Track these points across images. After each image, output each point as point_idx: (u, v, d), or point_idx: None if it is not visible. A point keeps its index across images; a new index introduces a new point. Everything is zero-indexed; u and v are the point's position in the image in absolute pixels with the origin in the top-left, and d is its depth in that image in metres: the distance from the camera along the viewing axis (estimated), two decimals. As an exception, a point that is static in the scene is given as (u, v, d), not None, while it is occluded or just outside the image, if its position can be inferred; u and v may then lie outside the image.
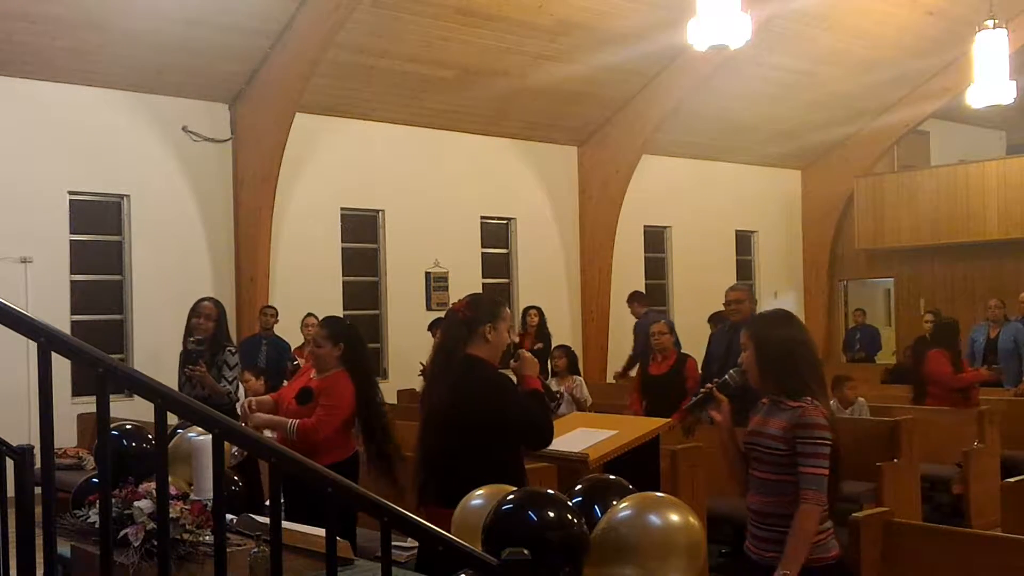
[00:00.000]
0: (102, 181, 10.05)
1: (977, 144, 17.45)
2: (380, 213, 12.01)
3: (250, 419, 5.08)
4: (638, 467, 4.70)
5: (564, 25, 11.03)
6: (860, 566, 3.84)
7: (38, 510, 2.30)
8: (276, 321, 10.02)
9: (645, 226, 14.59)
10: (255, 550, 3.05)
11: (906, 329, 15.53)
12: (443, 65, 11.12)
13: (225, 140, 10.77)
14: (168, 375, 6.41)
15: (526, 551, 2.40)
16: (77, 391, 9.11)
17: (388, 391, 11.10)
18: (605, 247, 13.62)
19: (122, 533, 3.01)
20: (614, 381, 12.26)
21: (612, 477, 3.36)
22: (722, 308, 8.65)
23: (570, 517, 2.87)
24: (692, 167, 14.96)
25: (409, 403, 9.74)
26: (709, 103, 13.35)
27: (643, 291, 12.33)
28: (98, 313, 10.13)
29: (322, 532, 2.70)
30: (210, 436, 2.50)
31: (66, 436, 8.51)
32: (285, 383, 8.81)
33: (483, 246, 12.96)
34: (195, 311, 6.50)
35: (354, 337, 5.32)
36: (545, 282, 13.26)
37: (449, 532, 2.65)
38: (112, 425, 2.92)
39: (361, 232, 11.96)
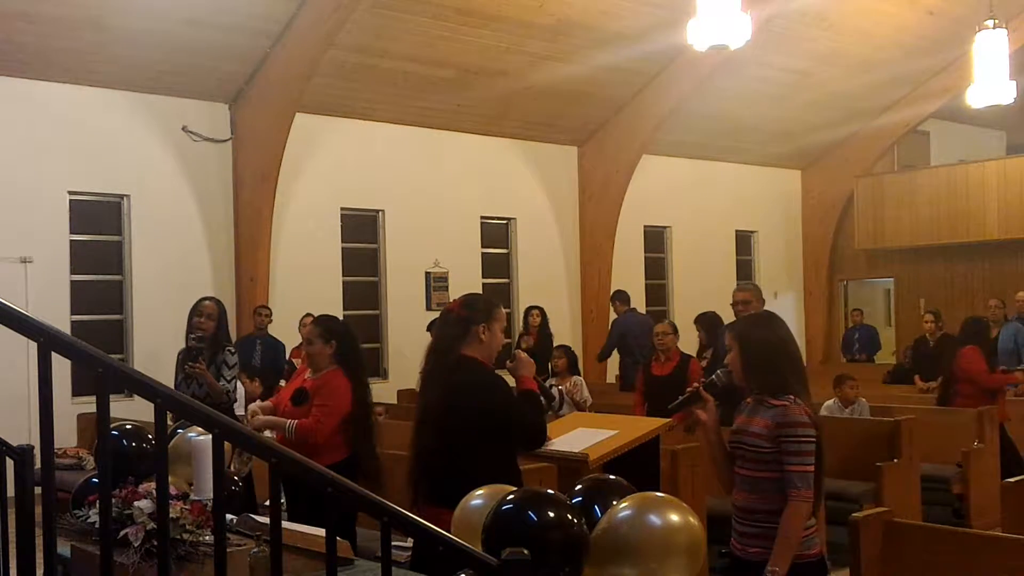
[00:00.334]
0: (102, 181, 10.05)
1: (977, 144, 17.45)
2: (380, 213, 12.01)
3: (251, 421, 5.10)
4: (638, 467, 4.70)
5: (564, 25, 11.03)
6: (860, 566, 3.84)
7: (38, 510, 2.30)
8: (270, 321, 10.03)
9: (645, 226, 14.59)
10: (255, 550, 3.05)
11: (906, 329, 15.53)
12: (443, 65, 11.12)
13: (225, 140, 10.78)
14: (168, 375, 6.41)
15: (526, 551, 2.40)
16: (77, 391, 9.11)
17: (388, 391, 11.13)
18: (605, 247, 13.62)
19: (122, 533, 3.00)
20: (614, 381, 12.29)
21: (612, 477, 3.36)
22: (706, 310, 8.77)
23: (570, 517, 2.87)
24: (692, 167, 14.96)
25: (409, 403, 9.73)
26: (709, 103, 13.35)
27: (626, 291, 12.44)
28: (98, 313, 10.13)
29: (322, 532, 2.70)
30: (210, 436, 2.50)
31: (66, 436, 8.51)
32: (283, 383, 8.82)
33: (483, 246, 12.96)
34: (196, 310, 6.50)
35: (347, 335, 5.32)
36: (545, 282, 13.26)
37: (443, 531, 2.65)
38: (112, 425, 2.92)
39: (361, 232, 11.96)
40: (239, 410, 7.14)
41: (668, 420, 5.40)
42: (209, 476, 3.35)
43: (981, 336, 8.28)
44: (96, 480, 3.63)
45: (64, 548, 3.25)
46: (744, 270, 16.03)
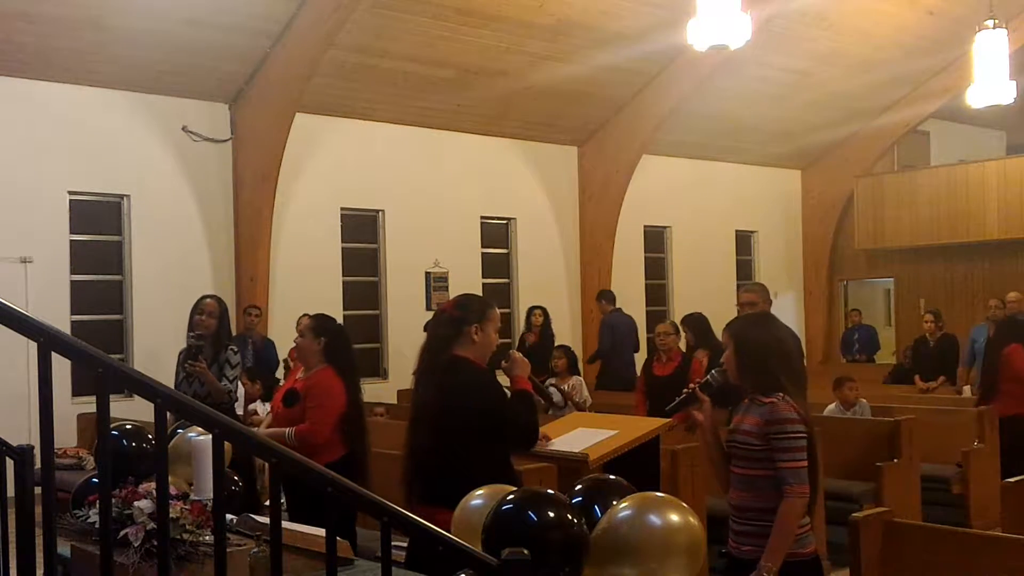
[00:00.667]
0: (102, 181, 10.05)
1: (977, 144, 17.45)
2: (380, 213, 12.01)
3: None
4: (638, 467, 4.69)
5: (564, 25, 11.03)
6: (860, 566, 3.84)
7: (38, 510, 2.30)
8: (260, 320, 10.03)
9: (645, 226, 14.58)
10: (255, 550, 3.05)
11: (906, 329, 15.53)
12: (443, 65, 11.12)
13: (225, 140, 10.78)
14: (168, 375, 6.40)
15: (526, 551, 2.40)
16: (77, 391, 9.11)
17: (388, 391, 11.14)
18: (605, 247, 13.62)
19: (122, 533, 3.00)
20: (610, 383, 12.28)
21: (612, 477, 3.37)
22: (692, 312, 8.79)
23: (570, 517, 2.87)
24: (692, 167, 14.96)
25: (409, 403, 9.73)
26: (709, 103, 13.35)
27: (611, 290, 12.47)
28: (98, 313, 10.13)
29: (322, 532, 2.70)
30: (210, 436, 2.50)
31: (66, 436, 8.51)
32: (280, 379, 8.83)
33: (483, 246, 12.96)
34: (198, 308, 6.48)
35: (338, 334, 5.36)
36: (545, 282, 13.25)
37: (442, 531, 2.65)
38: (112, 425, 2.92)
39: (361, 232, 11.96)
40: (238, 410, 7.14)
41: (668, 420, 5.39)
42: (209, 476, 3.35)
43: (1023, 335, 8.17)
44: (96, 480, 3.63)
45: (64, 548, 3.24)
46: (744, 270, 16.03)
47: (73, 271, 9.90)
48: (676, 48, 11.23)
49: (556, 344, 10.03)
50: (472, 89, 11.69)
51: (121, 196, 10.22)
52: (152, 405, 2.30)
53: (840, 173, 16.20)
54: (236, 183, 10.80)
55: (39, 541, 2.33)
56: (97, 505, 3.05)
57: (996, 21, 10.35)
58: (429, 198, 12.21)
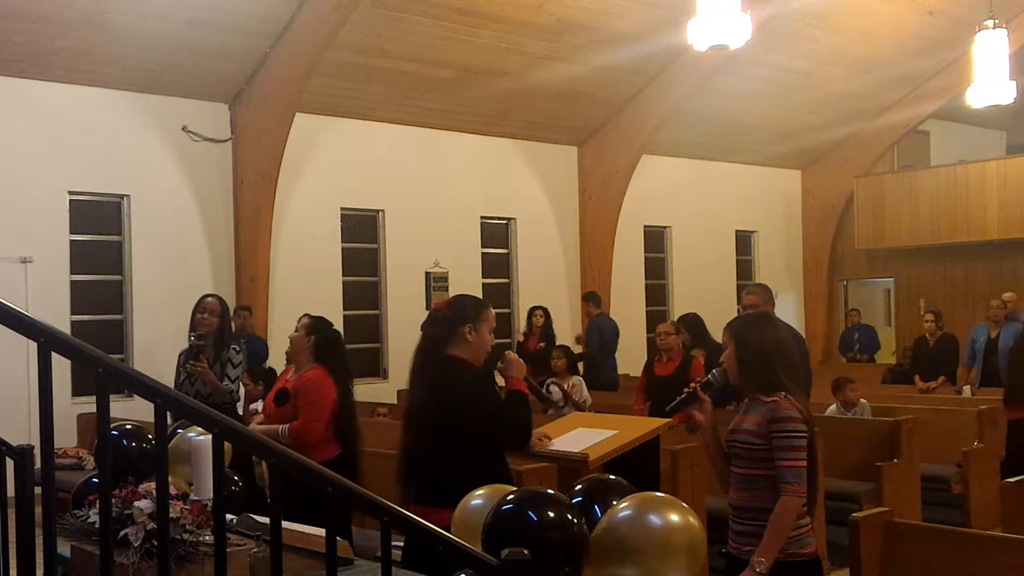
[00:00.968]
0: (102, 181, 10.05)
1: (977, 144, 17.45)
2: (380, 213, 12.01)
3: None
4: (638, 467, 4.69)
5: (564, 25, 11.03)
6: (860, 566, 3.84)
7: (38, 510, 2.30)
8: (249, 319, 10.04)
9: (645, 226, 14.58)
10: (255, 550, 3.05)
11: (906, 329, 15.53)
12: (443, 65, 11.12)
13: (225, 140, 10.78)
14: (168, 375, 6.40)
15: (526, 551, 2.40)
16: (77, 391, 9.12)
17: (388, 391, 11.14)
18: (605, 247, 13.62)
19: (122, 533, 3.01)
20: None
21: (612, 477, 3.37)
22: (687, 313, 8.81)
23: (570, 517, 2.87)
24: (692, 167, 14.96)
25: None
26: (709, 103, 13.35)
27: (598, 292, 12.47)
28: (98, 313, 10.13)
29: (322, 532, 2.70)
30: (210, 436, 2.50)
31: (66, 436, 8.52)
32: (274, 370, 8.83)
33: (483, 246, 12.96)
34: (200, 307, 6.48)
35: (331, 336, 5.39)
36: (545, 282, 13.25)
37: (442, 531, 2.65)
38: (112, 425, 2.92)
39: (361, 232, 11.96)
40: (239, 410, 7.14)
41: (668, 420, 5.39)
42: (209, 476, 3.35)
43: None
44: (96, 480, 3.63)
45: (64, 548, 3.25)
46: (744, 270, 16.03)
47: (73, 271, 9.89)
48: (676, 48, 11.23)
49: (556, 344, 10.03)
50: (472, 89, 11.68)
51: (121, 196, 10.22)
52: (152, 405, 2.30)
53: (840, 173, 16.20)
54: (236, 183, 10.80)
55: (39, 541, 2.33)
56: (97, 505, 3.05)
57: (996, 21, 10.35)
58: (429, 198, 12.21)
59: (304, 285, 11.00)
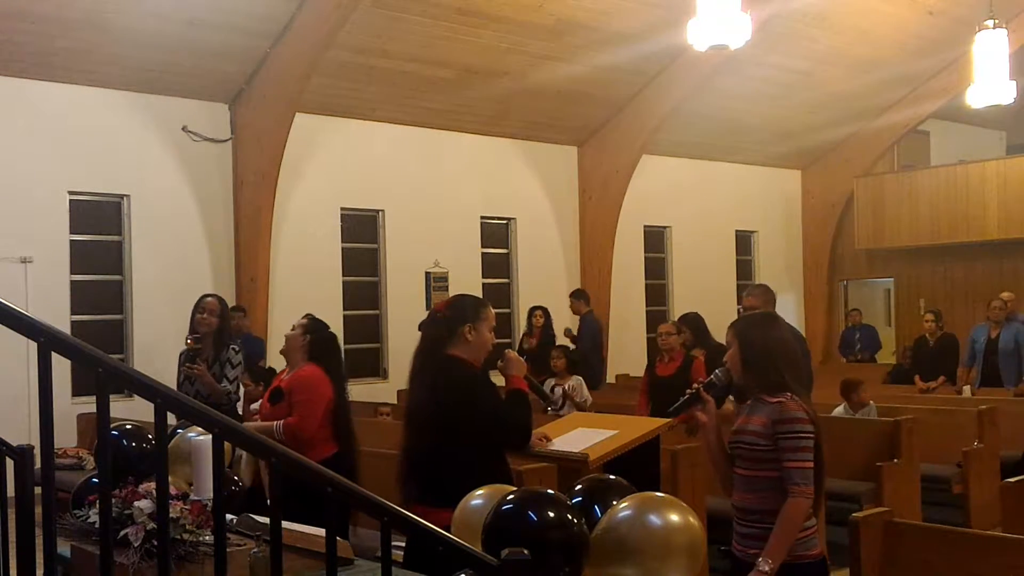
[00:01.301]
0: (102, 181, 10.05)
1: (977, 144, 17.45)
2: (380, 213, 12.01)
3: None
4: (638, 467, 4.69)
5: (564, 25, 11.03)
6: (860, 566, 3.84)
7: (38, 510, 2.30)
8: (244, 319, 10.03)
9: (645, 226, 14.59)
10: (255, 550, 3.05)
11: (906, 329, 15.53)
12: (443, 65, 11.12)
13: (225, 140, 10.78)
14: (168, 375, 6.40)
15: (526, 551, 2.40)
16: (77, 391, 9.12)
17: (388, 391, 11.14)
18: (605, 247, 13.62)
19: (122, 533, 3.01)
20: (614, 381, 12.30)
21: (612, 477, 3.37)
22: (687, 312, 8.80)
23: (570, 517, 2.87)
24: (692, 167, 14.97)
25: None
26: (709, 103, 13.35)
27: (585, 290, 12.45)
28: (98, 313, 10.13)
29: (322, 532, 2.70)
30: (210, 436, 2.50)
31: (66, 436, 8.51)
32: (272, 368, 8.82)
33: (483, 246, 12.96)
34: (199, 307, 6.48)
35: (326, 336, 5.42)
36: (545, 282, 13.25)
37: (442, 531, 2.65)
38: (112, 425, 2.92)
39: (361, 232, 11.96)
40: (240, 410, 7.14)
41: (668, 420, 5.39)
42: (209, 476, 3.35)
43: None
44: (96, 480, 3.63)
45: (64, 548, 3.25)
46: (744, 270, 16.04)
47: (73, 271, 9.89)
48: (676, 48, 11.23)
49: (556, 344, 10.02)
50: (472, 89, 11.68)
51: (121, 196, 10.22)
52: (152, 405, 2.30)
53: (840, 173, 16.20)
54: (236, 183, 10.80)
55: (39, 541, 2.33)
56: (97, 505, 3.05)
57: (996, 21, 10.35)
58: (429, 198, 12.21)
59: (304, 285, 11.00)
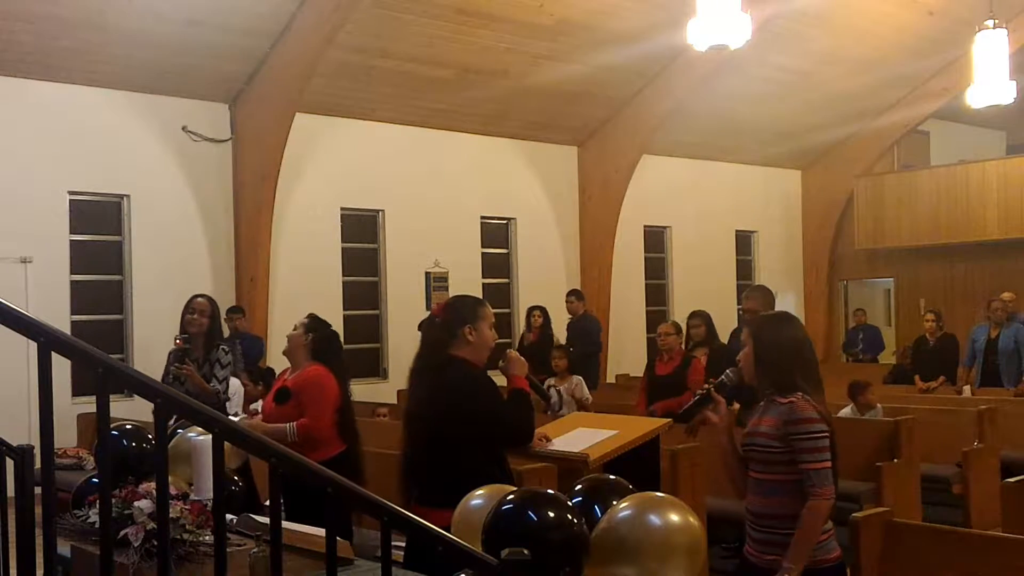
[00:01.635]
0: (102, 181, 10.05)
1: (977, 144, 17.45)
2: (380, 213, 12.01)
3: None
4: (638, 467, 4.69)
5: (564, 25, 11.03)
6: (860, 566, 3.84)
7: (38, 510, 2.30)
8: (241, 320, 10.03)
9: (645, 226, 14.58)
10: (255, 550, 3.05)
11: (906, 329, 15.52)
12: (443, 65, 11.12)
13: (225, 140, 10.77)
14: (168, 375, 6.39)
15: (526, 551, 2.40)
16: (77, 391, 9.11)
17: (388, 391, 11.14)
18: (605, 247, 13.62)
19: (122, 533, 3.01)
20: (614, 381, 12.30)
21: (612, 477, 3.36)
22: (680, 313, 8.79)
23: (570, 517, 2.87)
24: (692, 167, 14.96)
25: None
26: (709, 103, 13.35)
27: (580, 289, 12.44)
28: (98, 313, 10.13)
29: (322, 532, 2.70)
30: (210, 436, 2.50)
31: (66, 436, 8.51)
32: (272, 369, 8.82)
33: (483, 246, 12.96)
34: (189, 307, 6.45)
35: (328, 335, 5.40)
36: (545, 282, 13.25)
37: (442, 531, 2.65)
38: (112, 425, 2.92)
39: (361, 232, 11.96)
40: (234, 408, 7.12)
41: (668, 420, 5.39)
42: (209, 476, 3.35)
43: None
44: (96, 480, 3.63)
45: (64, 548, 3.25)
46: (744, 270, 16.03)
47: (73, 271, 9.89)
48: (676, 48, 11.23)
49: (555, 344, 10.01)
50: (472, 89, 11.68)
51: (121, 196, 10.22)
52: (152, 405, 2.30)
53: (840, 173, 16.20)
54: (236, 183, 10.80)
55: (39, 541, 2.33)
56: (97, 505, 3.05)
57: (996, 21, 10.35)
58: (429, 198, 12.21)
59: (304, 285, 11.00)
